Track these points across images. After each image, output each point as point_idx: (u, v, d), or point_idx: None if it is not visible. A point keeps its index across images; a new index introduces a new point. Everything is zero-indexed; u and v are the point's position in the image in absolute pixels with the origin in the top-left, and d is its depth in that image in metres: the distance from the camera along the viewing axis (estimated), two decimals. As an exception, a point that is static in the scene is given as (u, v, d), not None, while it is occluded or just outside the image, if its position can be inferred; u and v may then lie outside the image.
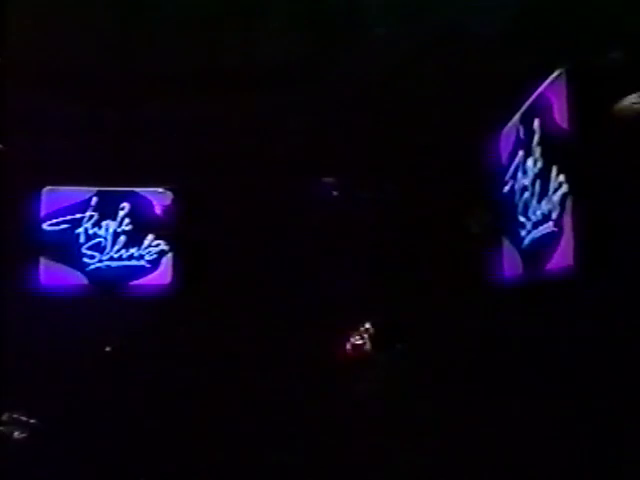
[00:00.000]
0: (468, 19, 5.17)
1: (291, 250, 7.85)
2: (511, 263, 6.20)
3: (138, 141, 7.57)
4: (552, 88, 5.08)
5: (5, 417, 6.34)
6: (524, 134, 5.69)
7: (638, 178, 4.43)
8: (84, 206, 8.20)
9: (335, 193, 8.05)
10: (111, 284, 8.15)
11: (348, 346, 7.81)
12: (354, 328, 7.82)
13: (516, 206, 5.88)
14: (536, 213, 5.40)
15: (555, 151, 5.08)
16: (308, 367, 7.54)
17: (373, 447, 5.98)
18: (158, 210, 8.20)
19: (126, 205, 8.22)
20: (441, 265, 7.52)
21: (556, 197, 4.97)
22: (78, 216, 8.19)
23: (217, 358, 7.32)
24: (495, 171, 6.36)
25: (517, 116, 5.88)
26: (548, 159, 5.18)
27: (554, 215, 5.04)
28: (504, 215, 6.27)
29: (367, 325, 7.82)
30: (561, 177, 4.90)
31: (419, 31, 5.37)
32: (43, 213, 8.08)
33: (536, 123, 5.40)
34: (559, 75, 4.95)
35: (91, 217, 8.20)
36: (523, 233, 5.76)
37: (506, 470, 5.21)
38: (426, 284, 7.54)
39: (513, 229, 6.04)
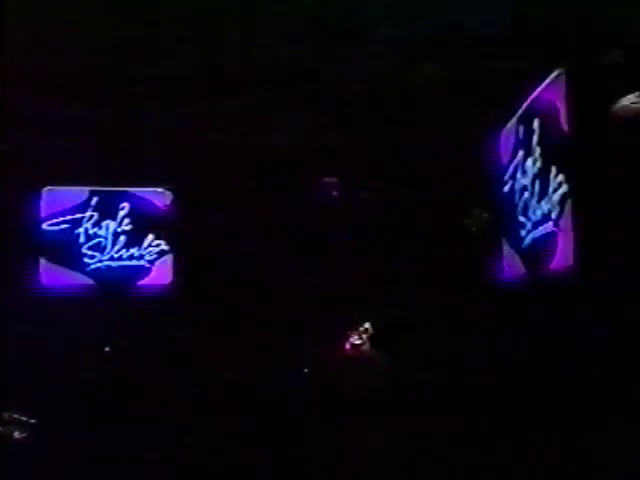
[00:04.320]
0: (468, 19, 5.17)
1: (291, 250, 7.84)
2: (511, 263, 6.20)
3: (138, 141, 7.57)
4: (552, 88, 5.08)
5: (5, 417, 6.34)
6: (524, 134, 5.69)
7: (638, 178, 4.42)
8: (84, 206, 8.20)
9: (335, 193, 8.05)
10: (111, 284, 8.15)
11: (348, 346, 7.81)
12: (354, 328, 7.82)
13: (516, 206, 5.88)
14: (536, 213, 5.40)
15: (555, 151, 5.08)
16: (308, 367, 7.54)
17: (372, 446, 5.98)
18: (158, 210, 8.21)
19: (126, 205, 8.22)
20: (441, 265, 7.52)
21: (556, 197, 4.97)
22: (78, 216, 8.19)
23: (217, 358, 7.32)
24: (495, 171, 6.36)
25: (517, 116, 5.88)
26: (548, 159, 5.18)
27: (554, 215, 5.04)
28: (504, 215, 6.27)
29: (367, 325, 7.82)
30: (560, 177, 4.90)
31: (419, 31, 5.37)
32: (43, 213, 8.09)
33: (536, 123, 5.40)
34: (559, 75, 4.95)
35: (91, 217, 8.20)
36: (523, 233, 5.76)
37: (505, 469, 5.21)
38: (426, 284, 7.53)
39: (513, 229, 6.04)
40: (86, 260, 8.18)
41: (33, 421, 6.35)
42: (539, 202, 5.31)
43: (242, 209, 7.90)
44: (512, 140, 6.05)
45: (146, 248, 8.21)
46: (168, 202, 8.16)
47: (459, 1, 5.08)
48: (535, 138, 5.42)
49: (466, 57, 5.66)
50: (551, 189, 5.05)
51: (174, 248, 8.19)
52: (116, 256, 8.22)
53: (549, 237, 5.17)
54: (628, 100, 4.48)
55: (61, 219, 8.15)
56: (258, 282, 7.87)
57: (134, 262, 8.21)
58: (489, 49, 5.48)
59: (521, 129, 5.77)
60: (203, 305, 7.73)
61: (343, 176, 8.02)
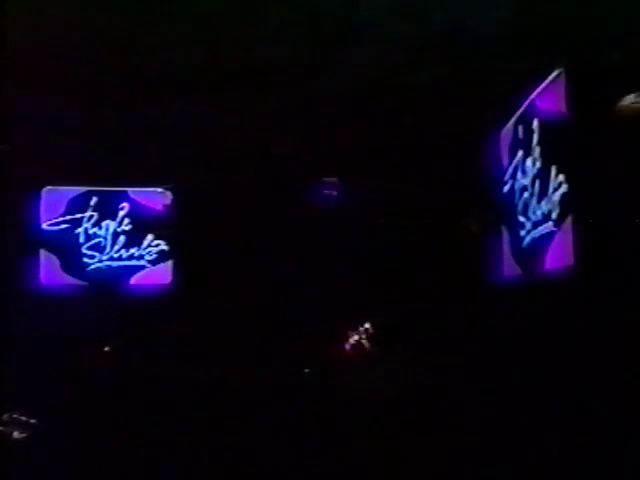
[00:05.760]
0: (468, 19, 5.17)
1: (290, 250, 7.85)
2: (511, 263, 6.20)
3: (138, 141, 7.57)
4: (551, 88, 5.09)
5: (5, 417, 6.34)
6: (523, 134, 5.69)
7: (638, 178, 4.43)
8: (84, 206, 8.21)
9: (335, 193, 8.05)
10: (111, 284, 8.16)
11: (348, 346, 7.81)
12: (354, 328, 7.82)
13: (516, 206, 5.88)
14: (536, 213, 5.41)
15: (554, 151, 5.08)
16: (308, 366, 7.54)
17: (372, 446, 5.99)
18: (158, 210, 8.21)
19: (126, 205, 8.24)
20: (441, 265, 7.52)
21: (556, 197, 4.98)
22: (78, 216, 8.20)
23: (217, 357, 7.32)
24: (495, 171, 6.37)
25: (516, 116, 5.89)
26: (547, 159, 5.19)
27: (554, 215, 5.04)
28: (504, 215, 6.28)
29: (367, 325, 7.82)
30: (560, 177, 4.91)
31: (419, 31, 5.37)
32: (43, 213, 8.09)
33: (535, 123, 5.41)
34: (558, 75, 4.96)
35: (91, 217, 8.21)
36: (523, 233, 5.77)
37: (504, 469, 5.21)
38: (426, 284, 7.54)
39: (513, 229, 6.04)
40: (86, 260, 8.19)
41: (33, 421, 6.35)
42: (539, 202, 5.32)
43: (242, 209, 7.90)
44: (511, 140, 6.05)
45: (146, 248, 8.22)
46: (168, 202, 8.17)
47: (459, 1, 5.08)
48: (535, 138, 5.42)
49: (466, 57, 5.66)
50: (551, 189, 5.06)
51: (174, 248, 8.20)
52: (116, 256, 8.23)
53: (549, 237, 5.18)
54: (629, 100, 4.48)
55: (61, 219, 8.16)
56: (257, 282, 7.87)
57: (134, 262, 8.22)
58: (489, 49, 5.48)
59: (521, 129, 5.77)
60: (203, 305, 7.74)
61: (343, 177, 8.02)
